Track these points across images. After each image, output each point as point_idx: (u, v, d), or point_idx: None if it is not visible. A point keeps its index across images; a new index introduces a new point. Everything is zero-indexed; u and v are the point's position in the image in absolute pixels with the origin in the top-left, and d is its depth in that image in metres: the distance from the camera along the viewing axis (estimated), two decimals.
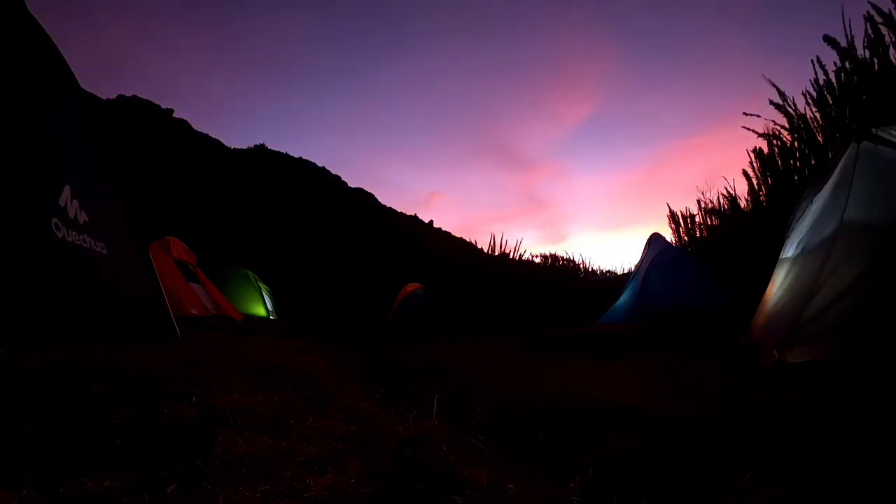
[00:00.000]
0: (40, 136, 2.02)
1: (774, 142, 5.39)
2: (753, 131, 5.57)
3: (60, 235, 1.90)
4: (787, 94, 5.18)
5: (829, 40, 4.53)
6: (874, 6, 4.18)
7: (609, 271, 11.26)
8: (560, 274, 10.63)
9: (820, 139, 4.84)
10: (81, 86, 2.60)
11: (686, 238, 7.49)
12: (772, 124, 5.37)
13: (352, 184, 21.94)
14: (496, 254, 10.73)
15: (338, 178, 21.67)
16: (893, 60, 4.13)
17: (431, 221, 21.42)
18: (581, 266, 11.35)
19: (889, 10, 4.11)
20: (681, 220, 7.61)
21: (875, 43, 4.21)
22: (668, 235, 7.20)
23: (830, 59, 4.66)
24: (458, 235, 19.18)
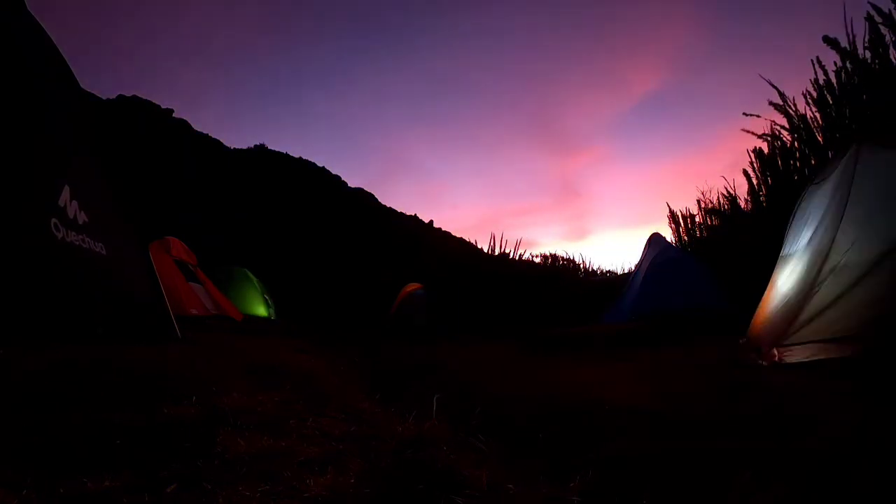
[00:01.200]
0: (40, 136, 2.02)
1: (774, 142, 5.40)
2: (752, 133, 5.59)
3: (60, 236, 1.90)
4: (786, 94, 5.19)
5: (830, 41, 4.53)
6: (874, 6, 4.19)
7: (609, 271, 11.29)
8: (560, 274, 10.64)
9: (820, 139, 4.85)
10: (81, 86, 2.59)
11: (686, 238, 7.50)
12: (772, 124, 5.38)
13: (355, 183, 21.97)
14: (496, 254, 10.75)
15: (338, 178, 21.68)
16: (893, 60, 4.13)
17: (431, 221, 21.43)
18: (581, 266, 11.38)
19: (889, 11, 4.12)
20: (681, 220, 7.63)
21: (875, 43, 4.21)
22: (669, 235, 7.21)
23: (830, 59, 4.67)
24: (459, 235, 19.21)
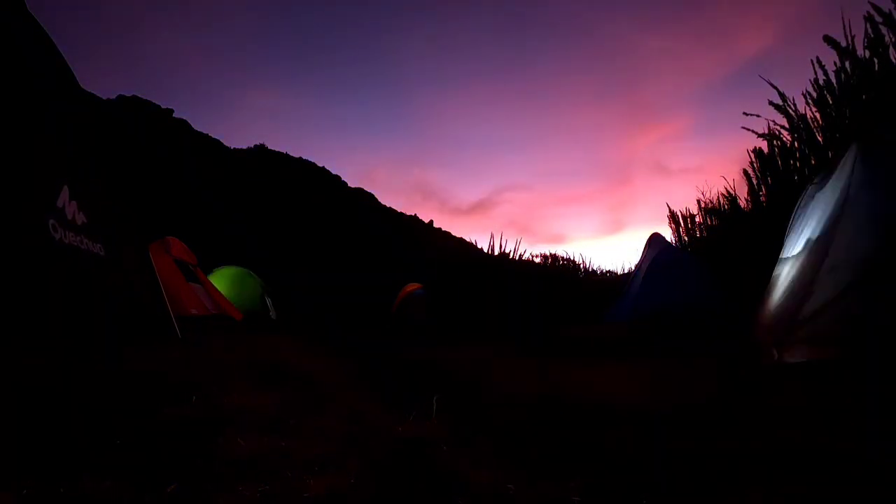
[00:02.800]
0: (40, 137, 2.02)
1: (774, 142, 5.40)
2: (753, 131, 5.58)
3: (58, 237, 1.90)
4: (786, 94, 5.19)
5: (829, 40, 4.53)
6: (874, 6, 4.18)
7: (609, 271, 11.28)
8: (560, 274, 10.65)
9: (820, 139, 4.85)
10: (81, 86, 2.59)
11: (686, 238, 7.49)
12: (772, 124, 5.38)
13: (354, 183, 22.01)
14: (496, 254, 10.75)
15: (338, 178, 21.71)
16: (893, 60, 4.12)
17: (431, 221, 21.47)
18: (581, 266, 11.37)
19: (889, 11, 4.11)
20: (681, 220, 7.62)
21: (875, 43, 4.21)
22: (668, 235, 7.21)
23: (830, 59, 4.67)
24: (458, 235, 19.27)
